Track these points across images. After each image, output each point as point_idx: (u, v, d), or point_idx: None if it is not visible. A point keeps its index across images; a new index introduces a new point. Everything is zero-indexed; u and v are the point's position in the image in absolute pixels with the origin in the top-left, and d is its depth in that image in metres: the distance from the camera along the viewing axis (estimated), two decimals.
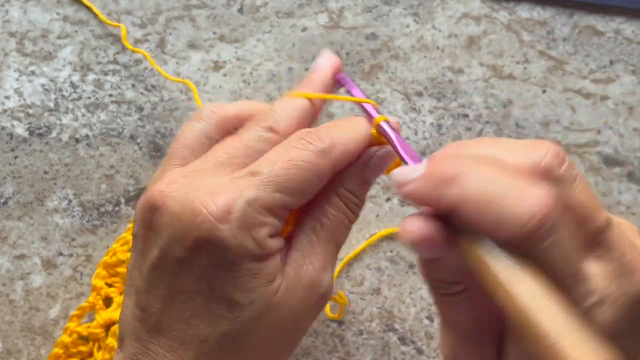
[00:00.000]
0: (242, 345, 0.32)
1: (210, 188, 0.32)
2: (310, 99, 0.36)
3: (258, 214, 0.31)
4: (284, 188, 0.32)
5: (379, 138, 0.35)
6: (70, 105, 0.51)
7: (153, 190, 0.33)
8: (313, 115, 0.37)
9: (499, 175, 0.27)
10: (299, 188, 0.32)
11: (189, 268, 0.31)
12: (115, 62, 0.52)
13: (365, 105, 0.37)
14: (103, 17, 0.53)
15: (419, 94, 0.52)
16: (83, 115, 0.51)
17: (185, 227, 0.31)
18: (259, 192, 0.31)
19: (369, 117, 0.36)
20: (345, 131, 0.35)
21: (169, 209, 0.32)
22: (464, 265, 0.28)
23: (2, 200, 0.49)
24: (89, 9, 0.53)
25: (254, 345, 0.32)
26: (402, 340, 0.48)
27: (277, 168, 0.32)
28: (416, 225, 0.28)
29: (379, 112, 0.36)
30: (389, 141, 0.35)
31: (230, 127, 0.36)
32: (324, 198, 0.35)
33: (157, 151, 0.51)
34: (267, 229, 0.31)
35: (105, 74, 0.52)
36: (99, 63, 0.52)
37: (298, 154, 0.33)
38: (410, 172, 0.29)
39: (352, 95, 0.38)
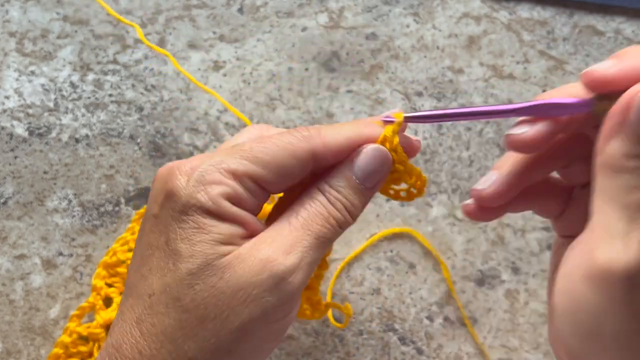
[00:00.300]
0: (180, 301, 0.32)
1: (196, 157, 0.34)
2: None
3: (218, 173, 0.33)
4: (254, 158, 0.33)
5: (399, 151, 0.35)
6: (70, 105, 0.51)
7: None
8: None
9: None
10: (271, 162, 0.33)
11: (158, 223, 0.33)
12: (115, 62, 0.52)
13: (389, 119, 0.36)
14: (120, 17, 0.53)
15: (419, 94, 0.52)
16: (83, 115, 0.51)
17: (161, 186, 0.34)
18: (227, 157, 0.33)
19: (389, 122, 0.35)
20: (338, 127, 0.35)
21: (159, 175, 0.34)
22: None
23: (2, 200, 0.49)
24: (101, 7, 0.53)
25: (194, 307, 0.32)
26: (402, 340, 0.48)
27: (255, 143, 0.34)
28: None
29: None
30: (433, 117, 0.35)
31: None
32: (308, 191, 0.35)
33: (157, 151, 0.51)
34: (224, 188, 0.33)
35: (105, 73, 0.52)
36: (98, 63, 0.52)
37: (281, 136, 0.34)
38: (603, 63, 0.31)
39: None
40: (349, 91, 0.52)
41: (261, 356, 0.35)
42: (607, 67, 0.31)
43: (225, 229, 0.33)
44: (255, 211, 0.34)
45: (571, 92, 0.33)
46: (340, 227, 0.35)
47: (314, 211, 0.34)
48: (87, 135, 0.51)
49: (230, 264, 0.32)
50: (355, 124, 0.36)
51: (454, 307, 0.49)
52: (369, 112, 0.52)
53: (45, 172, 0.50)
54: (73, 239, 0.49)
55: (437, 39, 0.53)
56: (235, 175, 0.33)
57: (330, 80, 0.52)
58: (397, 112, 0.35)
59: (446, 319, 0.49)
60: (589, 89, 0.32)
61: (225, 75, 0.52)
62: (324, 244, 0.34)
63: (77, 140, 0.51)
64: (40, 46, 0.52)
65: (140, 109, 0.51)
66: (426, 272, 0.49)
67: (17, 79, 0.52)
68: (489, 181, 0.35)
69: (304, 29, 0.54)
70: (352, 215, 0.35)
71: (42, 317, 0.47)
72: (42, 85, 0.52)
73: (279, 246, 0.33)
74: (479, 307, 0.49)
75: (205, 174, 0.33)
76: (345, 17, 0.54)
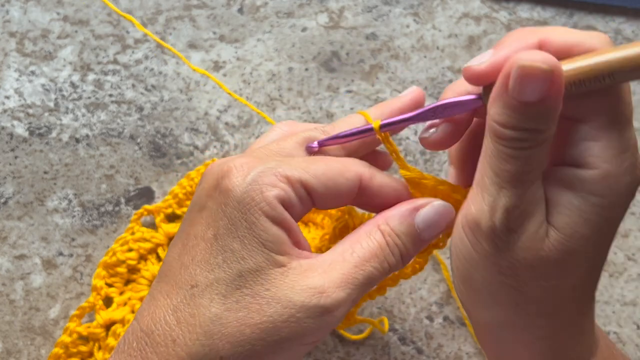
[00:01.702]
0: (225, 300, 0.32)
1: (245, 157, 0.35)
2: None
3: (273, 176, 0.33)
4: (306, 168, 0.34)
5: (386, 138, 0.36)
6: (71, 105, 0.51)
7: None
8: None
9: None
10: (322, 175, 0.34)
11: (206, 215, 0.34)
12: (115, 62, 0.52)
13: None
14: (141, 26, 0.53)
15: None
16: (83, 115, 0.51)
17: (214, 181, 0.34)
18: (281, 162, 0.34)
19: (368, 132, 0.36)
20: (388, 176, 0.36)
21: (211, 171, 0.35)
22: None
23: (2, 200, 0.49)
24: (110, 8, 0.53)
25: (236, 309, 0.32)
26: (402, 340, 0.48)
27: (305, 160, 0.35)
28: (549, 57, 0.29)
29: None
30: (400, 121, 0.35)
31: None
32: (366, 228, 0.35)
33: (157, 151, 0.51)
34: (278, 191, 0.33)
35: (105, 74, 0.52)
36: (99, 63, 0.52)
37: (332, 158, 0.35)
38: (481, 56, 0.32)
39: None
40: (349, 91, 0.52)
41: None
42: (480, 62, 0.32)
43: (276, 233, 0.33)
44: (298, 219, 0.35)
45: (463, 88, 0.34)
46: (390, 272, 0.35)
47: (370, 251, 0.34)
48: (87, 135, 0.51)
49: (278, 278, 0.32)
50: (404, 184, 0.36)
51: (453, 307, 0.49)
52: None
53: (45, 172, 0.50)
54: (73, 239, 0.49)
55: (437, 39, 0.53)
56: (290, 181, 0.33)
57: (330, 80, 0.52)
58: (374, 120, 0.36)
59: (446, 318, 0.49)
60: (472, 83, 0.33)
61: (225, 75, 0.52)
62: (371, 284, 0.34)
63: (77, 140, 0.51)
64: (41, 46, 0.53)
65: (141, 109, 0.51)
66: (426, 271, 0.49)
67: (17, 79, 0.52)
68: (432, 131, 0.36)
69: (304, 29, 0.54)
70: (404, 262, 0.35)
71: (42, 317, 0.47)
72: (43, 85, 0.52)
73: (331, 279, 0.33)
74: None
75: (262, 174, 0.33)
76: (345, 17, 0.54)
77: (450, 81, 0.52)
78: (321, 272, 0.33)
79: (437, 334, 0.48)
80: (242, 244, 0.32)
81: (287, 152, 0.36)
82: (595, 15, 0.54)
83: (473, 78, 0.32)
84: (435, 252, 0.49)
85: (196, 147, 0.51)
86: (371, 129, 0.35)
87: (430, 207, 0.35)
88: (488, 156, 0.31)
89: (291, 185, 0.33)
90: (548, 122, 0.30)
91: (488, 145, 0.31)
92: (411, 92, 0.38)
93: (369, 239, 0.34)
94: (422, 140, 0.35)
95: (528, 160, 0.30)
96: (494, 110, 0.30)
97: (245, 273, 0.32)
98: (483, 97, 0.33)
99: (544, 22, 0.54)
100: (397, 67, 0.53)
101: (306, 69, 0.53)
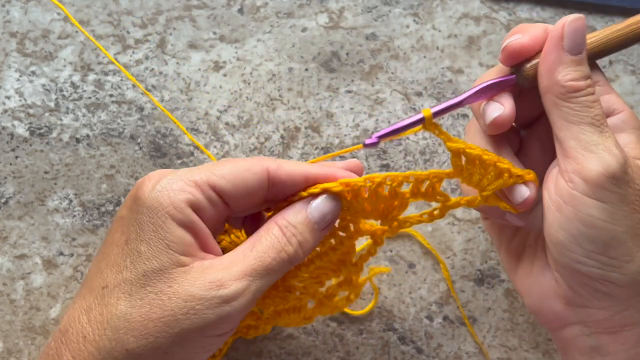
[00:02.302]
0: (131, 297, 0.35)
1: (167, 170, 0.38)
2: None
3: (182, 182, 0.36)
4: (214, 171, 0.36)
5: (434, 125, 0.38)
6: (71, 106, 0.51)
7: None
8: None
9: None
10: (229, 174, 0.36)
11: (122, 223, 0.36)
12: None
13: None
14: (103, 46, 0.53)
15: (419, 94, 0.52)
16: (84, 116, 0.51)
17: (133, 192, 0.37)
18: (191, 170, 0.37)
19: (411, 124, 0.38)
20: (295, 162, 0.39)
21: (136, 183, 0.37)
22: None
23: (3, 200, 0.49)
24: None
25: (140, 305, 0.34)
26: (402, 339, 0.48)
27: (215, 163, 0.38)
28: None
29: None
30: (448, 108, 0.38)
31: None
32: (265, 226, 0.38)
33: (157, 151, 0.51)
34: (186, 195, 0.35)
35: (106, 74, 0.52)
36: (99, 63, 0.52)
37: (239, 158, 0.38)
38: (514, 37, 0.38)
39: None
40: (349, 91, 0.52)
41: None
42: (520, 38, 0.37)
43: (182, 235, 0.35)
44: (213, 225, 0.37)
45: (489, 74, 0.39)
46: (290, 261, 0.37)
47: (268, 244, 0.36)
48: (87, 135, 0.51)
49: (181, 276, 0.35)
50: (313, 165, 0.39)
51: (453, 307, 0.49)
52: (368, 112, 0.52)
53: (46, 172, 0.50)
54: (73, 239, 0.49)
55: (436, 40, 0.54)
56: (198, 184, 0.36)
57: (330, 81, 0.52)
58: (424, 109, 0.38)
59: (446, 318, 0.49)
60: (511, 60, 0.38)
61: (225, 75, 0.52)
62: (273, 275, 0.37)
63: (77, 140, 0.51)
64: (41, 46, 0.53)
65: (141, 109, 0.52)
66: (426, 271, 0.49)
67: (18, 79, 0.52)
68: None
69: (304, 29, 0.54)
70: (304, 251, 0.37)
71: (43, 316, 0.48)
72: (43, 85, 0.52)
73: (231, 273, 0.35)
74: (479, 306, 0.49)
75: (171, 181, 0.36)
76: (345, 18, 0.54)
77: (450, 81, 0.52)
78: (221, 269, 0.35)
79: (436, 333, 0.48)
80: (149, 246, 0.35)
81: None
82: (595, 15, 0.54)
83: (515, 52, 0.37)
84: (435, 251, 0.49)
85: (196, 147, 0.51)
86: (422, 119, 0.38)
87: (320, 198, 0.38)
88: (572, 117, 0.35)
89: (199, 189, 0.36)
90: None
91: (566, 110, 0.35)
92: (350, 161, 0.41)
93: (268, 234, 0.37)
94: (493, 123, 0.37)
95: (600, 101, 0.36)
96: (563, 73, 0.35)
97: (149, 273, 0.35)
98: (516, 75, 0.38)
99: (543, 22, 0.54)
100: (397, 67, 0.53)
101: (306, 69, 0.53)
